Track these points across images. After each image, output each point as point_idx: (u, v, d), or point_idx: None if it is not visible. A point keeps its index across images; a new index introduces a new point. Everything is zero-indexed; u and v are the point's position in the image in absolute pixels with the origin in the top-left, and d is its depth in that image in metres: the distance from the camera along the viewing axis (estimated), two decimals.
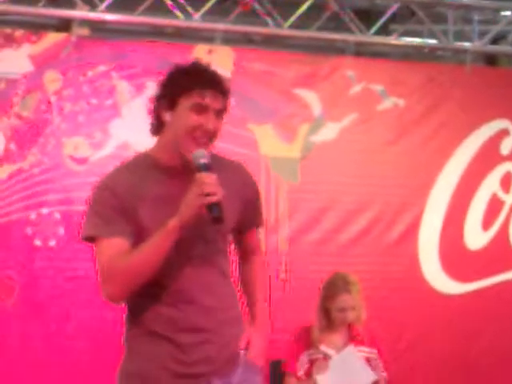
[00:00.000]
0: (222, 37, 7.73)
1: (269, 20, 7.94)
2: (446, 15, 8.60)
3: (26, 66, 7.20)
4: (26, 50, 7.21)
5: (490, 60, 9.11)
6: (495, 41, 8.79)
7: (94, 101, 7.37)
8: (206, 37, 7.81)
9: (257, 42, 8.03)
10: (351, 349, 6.69)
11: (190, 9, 7.75)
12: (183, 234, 4.00)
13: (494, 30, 8.70)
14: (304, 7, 8.00)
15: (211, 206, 3.93)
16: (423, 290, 8.16)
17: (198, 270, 4.14)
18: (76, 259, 7.20)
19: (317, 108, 7.89)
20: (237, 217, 4.24)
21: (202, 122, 4.00)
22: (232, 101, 7.61)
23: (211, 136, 4.06)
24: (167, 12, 7.76)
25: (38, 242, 7.15)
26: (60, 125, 7.28)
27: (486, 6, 8.66)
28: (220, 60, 7.45)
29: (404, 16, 8.66)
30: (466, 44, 8.62)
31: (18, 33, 7.25)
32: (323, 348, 6.70)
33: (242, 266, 4.48)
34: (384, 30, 8.47)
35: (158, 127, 4.11)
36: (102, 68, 7.39)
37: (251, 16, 7.95)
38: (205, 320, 4.13)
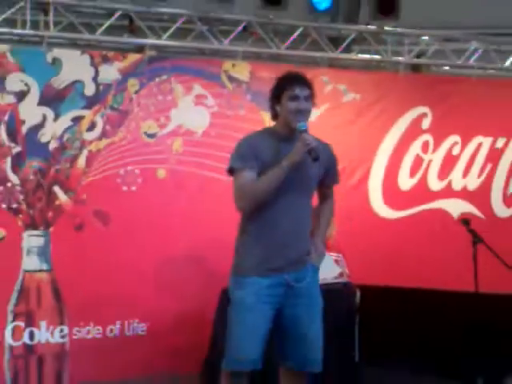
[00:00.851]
0: (241, 55, 7.75)
1: (271, 44, 7.96)
2: (387, 39, 8.58)
3: (116, 76, 7.16)
4: (116, 65, 7.17)
5: (416, 69, 9.02)
6: (418, 56, 8.78)
7: (159, 97, 7.32)
8: (231, 55, 7.78)
9: (265, 58, 8.04)
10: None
11: (220, 36, 7.75)
12: (289, 173, 4.30)
13: (417, 48, 8.71)
14: (295, 35, 8.01)
15: (311, 151, 4.35)
16: (371, 217, 8.18)
17: (289, 202, 4.38)
18: (148, 199, 7.16)
19: None
20: (321, 176, 4.60)
21: (296, 106, 4.40)
22: (249, 97, 7.65)
23: (304, 113, 4.46)
24: (206, 39, 7.74)
25: (124, 188, 7.13)
26: (138, 113, 7.23)
27: (411, 33, 8.65)
28: (240, 71, 7.53)
29: (360, 40, 8.68)
30: (400, 58, 8.61)
31: (110, 54, 7.22)
32: None
33: (319, 204, 4.76)
34: (347, 50, 8.50)
35: (274, 116, 4.57)
36: (164, 77, 7.33)
37: (260, 41, 7.96)
38: (293, 237, 4.40)
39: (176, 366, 6.81)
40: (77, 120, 7.00)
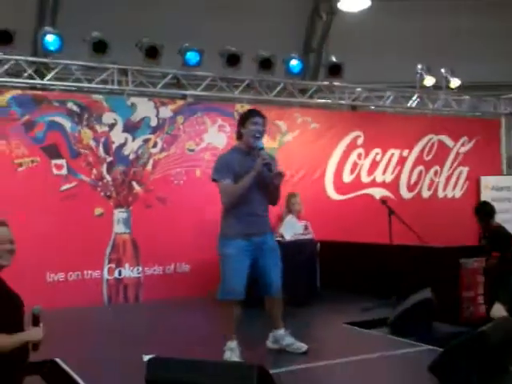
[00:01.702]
0: (246, 100, 7.78)
1: (264, 93, 7.95)
2: (335, 90, 8.44)
3: (170, 114, 7.22)
4: (169, 107, 7.22)
5: (353, 108, 8.68)
6: (354, 100, 8.59)
7: (196, 127, 7.35)
8: (240, 101, 7.76)
9: (260, 102, 7.75)
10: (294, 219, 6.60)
11: (233, 89, 7.77)
12: (254, 179, 4.08)
13: (354, 96, 8.57)
14: (278, 88, 8.00)
15: (266, 164, 4.06)
16: (326, 199, 8.12)
17: (257, 196, 4.14)
18: (189, 188, 7.17)
19: (284, 128, 7.79)
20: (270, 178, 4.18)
21: (256, 128, 4.15)
22: None
23: (261, 135, 4.16)
24: (224, 90, 7.74)
25: (175, 182, 7.16)
26: (183, 136, 7.28)
27: (350, 86, 8.48)
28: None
29: (319, 91, 8.57)
30: (343, 101, 8.46)
31: (166, 100, 7.28)
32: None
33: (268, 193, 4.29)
34: (311, 97, 8.38)
35: (239, 136, 4.24)
36: (199, 114, 7.37)
37: (257, 92, 7.93)
38: (257, 217, 4.17)
39: (207, 291, 6.51)
40: (146, 141, 7.07)
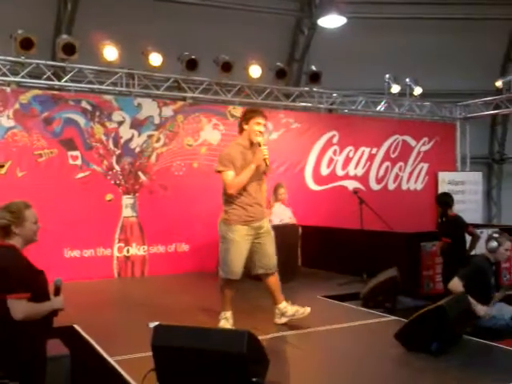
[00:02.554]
0: (238, 103, 7.68)
1: (253, 96, 7.89)
2: (314, 95, 8.42)
3: (171, 113, 7.16)
4: (171, 107, 7.17)
5: (330, 111, 8.64)
6: (331, 104, 8.58)
7: (194, 125, 7.28)
8: (232, 103, 7.67)
9: (249, 104, 7.54)
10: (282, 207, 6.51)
11: (226, 92, 7.68)
12: (254, 171, 4.01)
13: (330, 100, 8.53)
14: (266, 92, 7.94)
15: (265, 159, 4.02)
16: (306, 189, 8.10)
17: (256, 186, 4.08)
18: (188, 178, 7.12)
19: (270, 127, 7.68)
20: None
21: (258, 129, 4.06)
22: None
23: (262, 133, 4.07)
24: (218, 94, 7.66)
25: (175, 173, 7.12)
26: (182, 133, 7.22)
27: (327, 92, 8.44)
28: (237, 111, 7.34)
29: (301, 95, 8.47)
30: (321, 105, 8.48)
31: (168, 101, 7.21)
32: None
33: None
34: (293, 100, 8.33)
35: (241, 130, 4.13)
36: (196, 113, 7.31)
37: (247, 95, 7.86)
38: (256, 204, 4.07)
39: (204, 267, 6.73)
40: (150, 136, 7.02)
